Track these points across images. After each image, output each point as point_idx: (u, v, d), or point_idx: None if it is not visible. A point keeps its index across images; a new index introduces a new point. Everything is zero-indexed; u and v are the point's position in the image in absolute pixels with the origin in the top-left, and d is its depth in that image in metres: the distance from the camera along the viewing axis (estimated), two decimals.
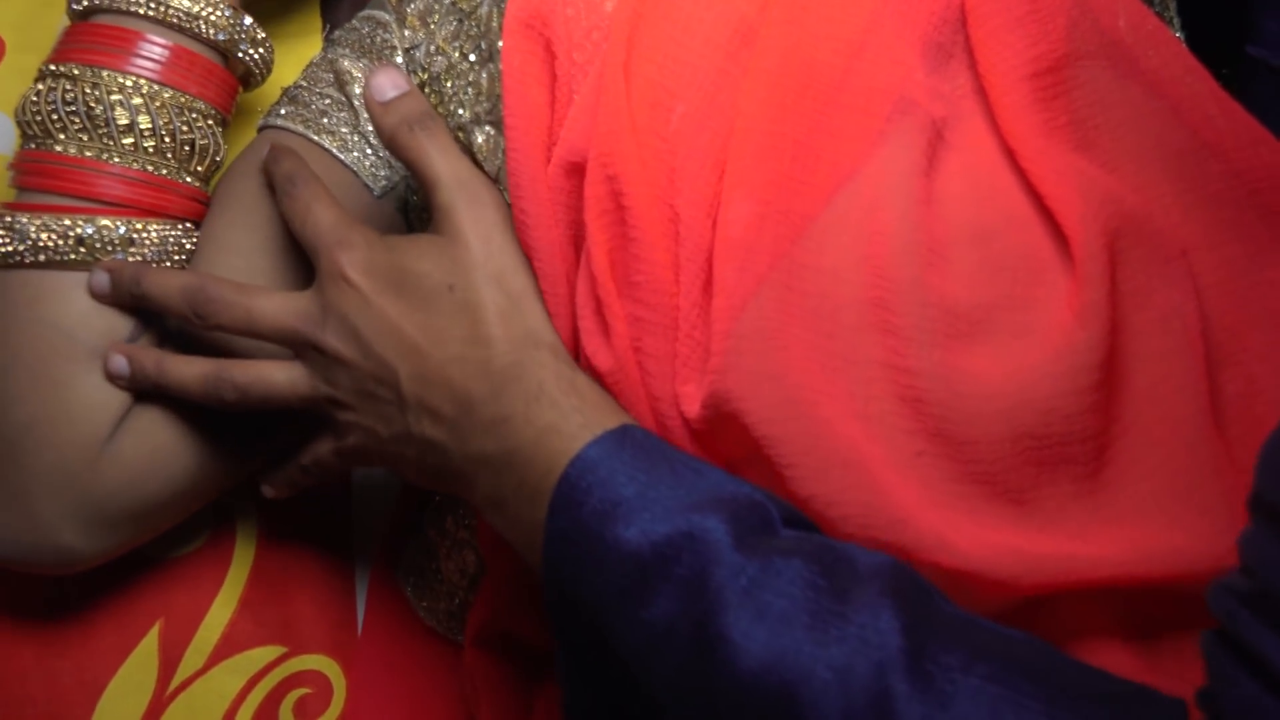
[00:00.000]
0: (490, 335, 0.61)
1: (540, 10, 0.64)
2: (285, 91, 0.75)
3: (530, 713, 0.72)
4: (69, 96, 0.68)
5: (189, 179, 0.71)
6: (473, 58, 0.69)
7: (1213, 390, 0.56)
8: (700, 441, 0.59)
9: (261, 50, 0.74)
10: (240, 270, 0.69)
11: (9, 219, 0.68)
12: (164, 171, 0.70)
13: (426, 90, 0.70)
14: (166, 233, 0.70)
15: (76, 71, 0.69)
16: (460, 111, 0.68)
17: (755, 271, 0.57)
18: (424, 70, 0.70)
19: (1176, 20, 0.65)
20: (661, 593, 0.51)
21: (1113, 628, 0.55)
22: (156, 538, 0.74)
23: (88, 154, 0.69)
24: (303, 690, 0.77)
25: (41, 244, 0.67)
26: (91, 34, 0.70)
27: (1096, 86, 0.59)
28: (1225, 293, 0.58)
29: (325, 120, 0.72)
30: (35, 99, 0.69)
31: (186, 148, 0.71)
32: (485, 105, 0.68)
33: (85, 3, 0.71)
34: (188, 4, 0.70)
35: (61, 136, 0.69)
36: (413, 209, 0.73)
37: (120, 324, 0.69)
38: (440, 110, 0.69)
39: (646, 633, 0.51)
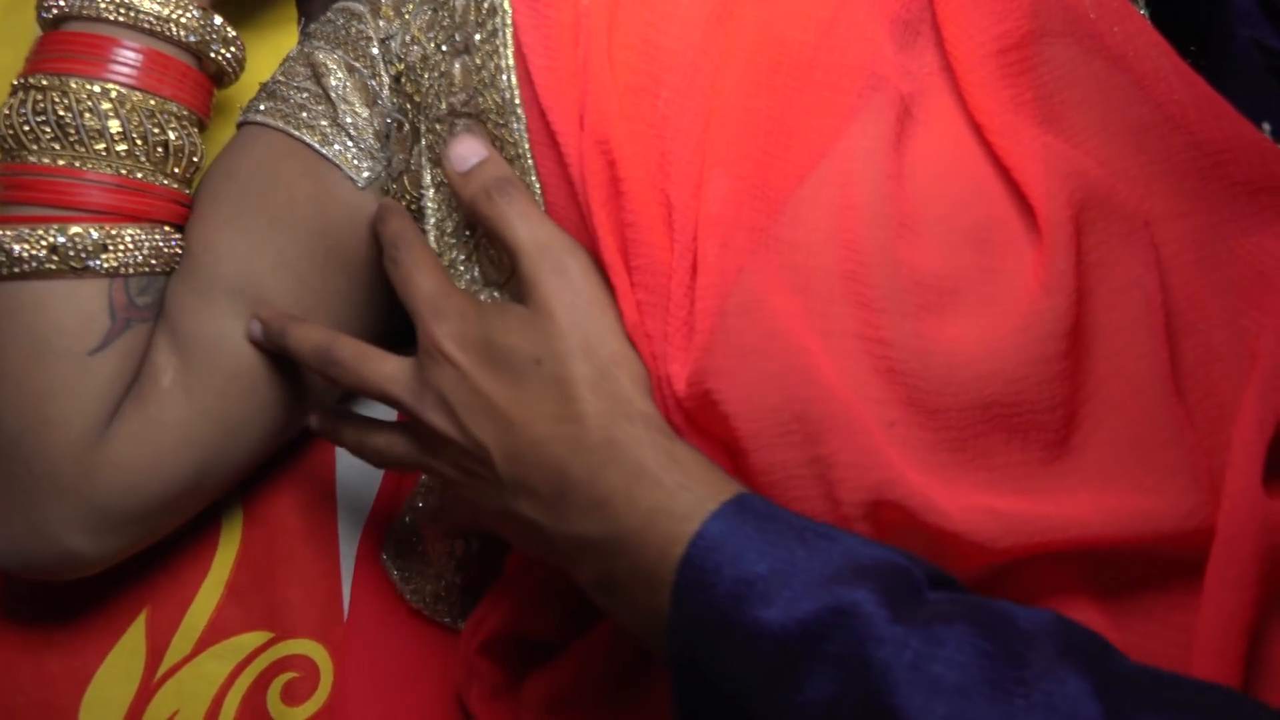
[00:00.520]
0: (580, 411, 0.58)
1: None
2: (263, 87, 0.75)
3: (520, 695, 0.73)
4: (39, 107, 0.68)
5: (166, 181, 0.71)
6: (445, 49, 0.69)
7: (1173, 358, 0.57)
8: (693, 422, 0.59)
9: (233, 49, 0.74)
10: (238, 277, 0.70)
11: None
12: (139, 175, 0.70)
13: (404, 80, 0.70)
14: (143, 237, 0.70)
15: (45, 82, 0.69)
16: (439, 104, 0.69)
17: (736, 247, 0.58)
18: (400, 60, 0.70)
19: None
20: (816, 673, 0.48)
21: (1081, 587, 0.55)
22: None
23: (60, 162, 0.68)
24: (290, 675, 0.78)
25: (16, 255, 0.67)
26: (63, 42, 0.70)
27: (1061, 62, 0.60)
28: (1187, 262, 0.59)
29: (304, 115, 0.72)
30: (7, 112, 0.69)
31: (160, 149, 0.70)
32: (460, 97, 0.68)
33: (56, 10, 0.70)
34: (157, 8, 0.70)
35: (35, 147, 0.69)
36: (392, 196, 0.73)
37: (95, 329, 0.69)
38: (419, 101, 0.69)
39: (803, 717, 0.48)
